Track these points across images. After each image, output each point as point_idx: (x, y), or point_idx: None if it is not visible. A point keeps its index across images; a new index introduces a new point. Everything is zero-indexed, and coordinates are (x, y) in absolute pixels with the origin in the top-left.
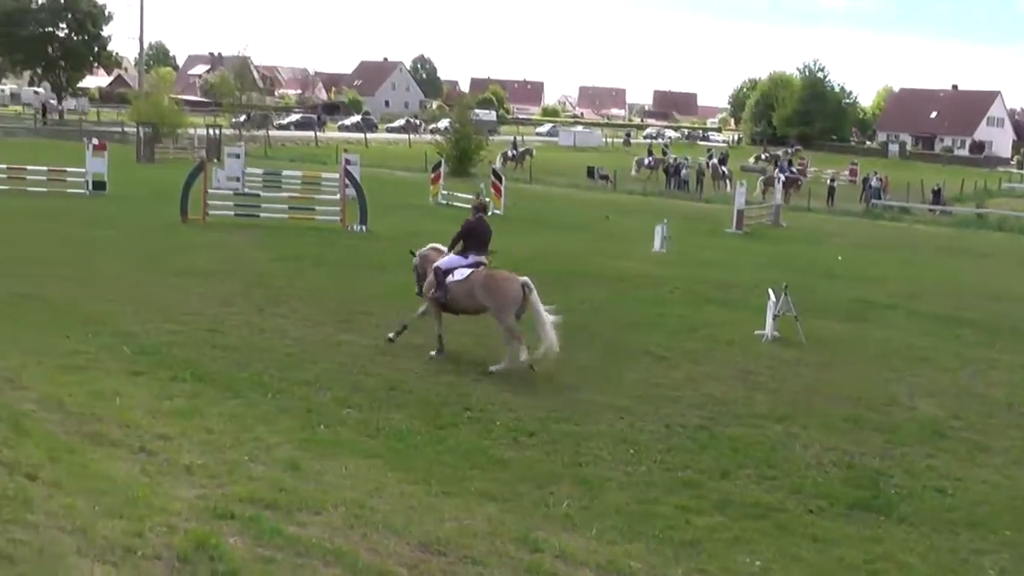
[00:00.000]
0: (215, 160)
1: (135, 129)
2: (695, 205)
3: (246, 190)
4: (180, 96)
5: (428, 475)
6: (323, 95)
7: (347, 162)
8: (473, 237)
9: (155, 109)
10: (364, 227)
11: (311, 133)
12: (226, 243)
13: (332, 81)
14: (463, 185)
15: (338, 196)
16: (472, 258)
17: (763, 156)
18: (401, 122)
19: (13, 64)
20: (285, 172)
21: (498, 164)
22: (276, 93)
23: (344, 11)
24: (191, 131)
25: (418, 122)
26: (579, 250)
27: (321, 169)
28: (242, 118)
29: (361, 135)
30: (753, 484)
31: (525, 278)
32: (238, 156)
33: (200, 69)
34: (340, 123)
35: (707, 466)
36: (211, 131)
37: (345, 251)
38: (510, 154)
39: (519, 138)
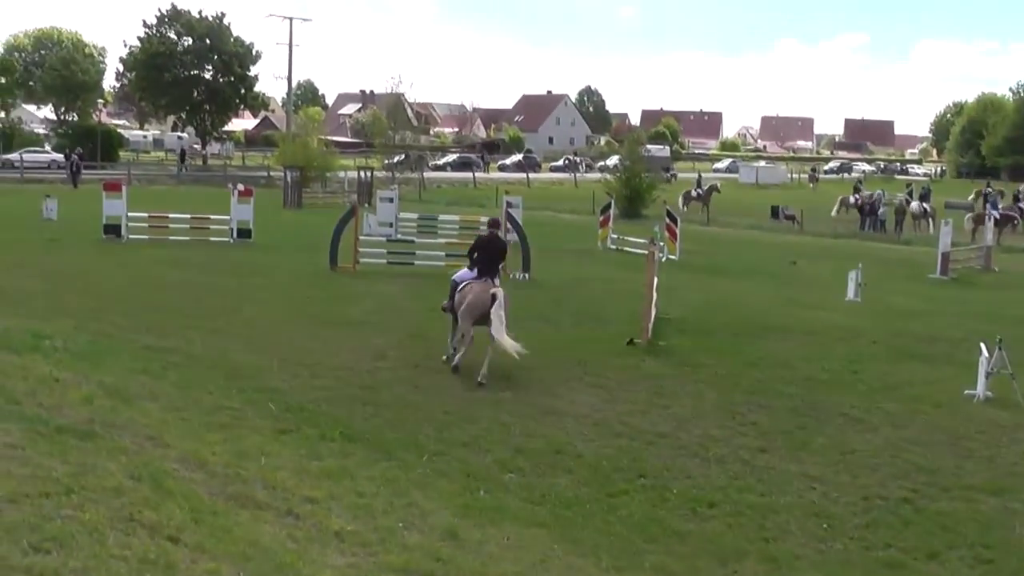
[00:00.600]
0: (366, 205)
1: (282, 173)
2: (893, 248)
3: (400, 236)
4: (329, 137)
5: (598, 547)
6: (482, 132)
7: (508, 205)
8: (484, 253)
9: (303, 151)
10: (527, 275)
11: (468, 174)
12: (379, 293)
13: (491, 117)
14: (635, 228)
15: None
16: (477, 273)
17: (985, 192)
18: (562, 161)
19: (157, 109)
20: (441, 216)
21: (680, 205)
22: (431, 131)
23: (504, 44)
24: (341, 174)
25: (579, 159)
26: (763, 299)
27: (480, 213)
28: (396, 159)
29: (523, 175)
30: (966, 567)
31: (496, 289)
32: (391, 200)
33: (351, 108)
34: (500, 163)
35: (912, 545)
36: (362, 174)
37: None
38: (694, 193)
39: (701, 175)
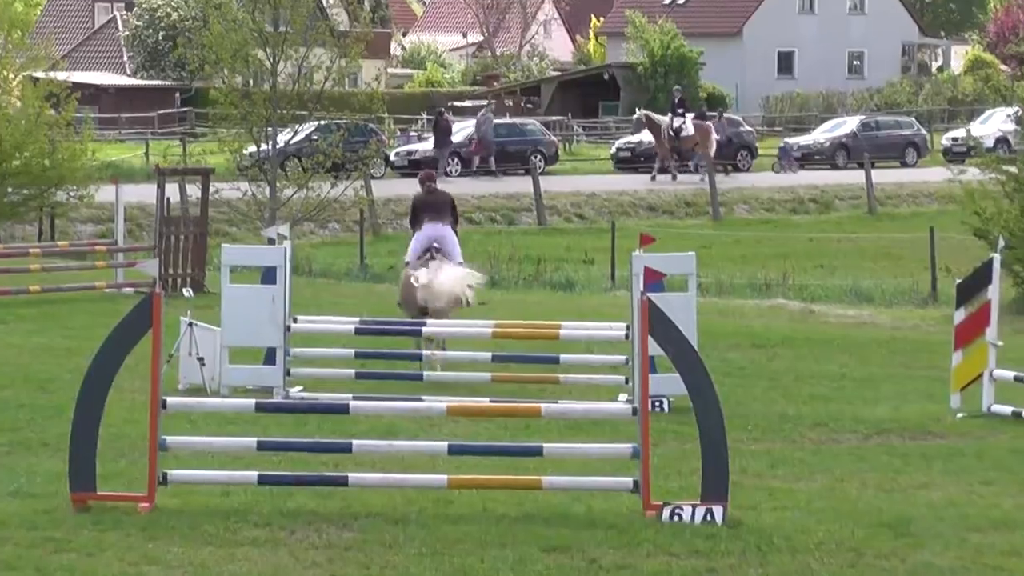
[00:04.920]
0: (187, 291)
1: None
2: None
3: (294, 392)
4: (69, 76)
5: None
6: (561, 45)
7: (646, 282)
8: (424, 213)
9: None
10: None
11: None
12: None
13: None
14: None
15: None
16: (425, 231)
17: None
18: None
19: None
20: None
21: None
22: (395, 51)
23: None
24: (107, 193)
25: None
26: None
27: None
28: (288, 134)
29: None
30: None
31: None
32: (274, 264)
33: None
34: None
35: None
36: (179, 187)
37: None
38: None
39: None
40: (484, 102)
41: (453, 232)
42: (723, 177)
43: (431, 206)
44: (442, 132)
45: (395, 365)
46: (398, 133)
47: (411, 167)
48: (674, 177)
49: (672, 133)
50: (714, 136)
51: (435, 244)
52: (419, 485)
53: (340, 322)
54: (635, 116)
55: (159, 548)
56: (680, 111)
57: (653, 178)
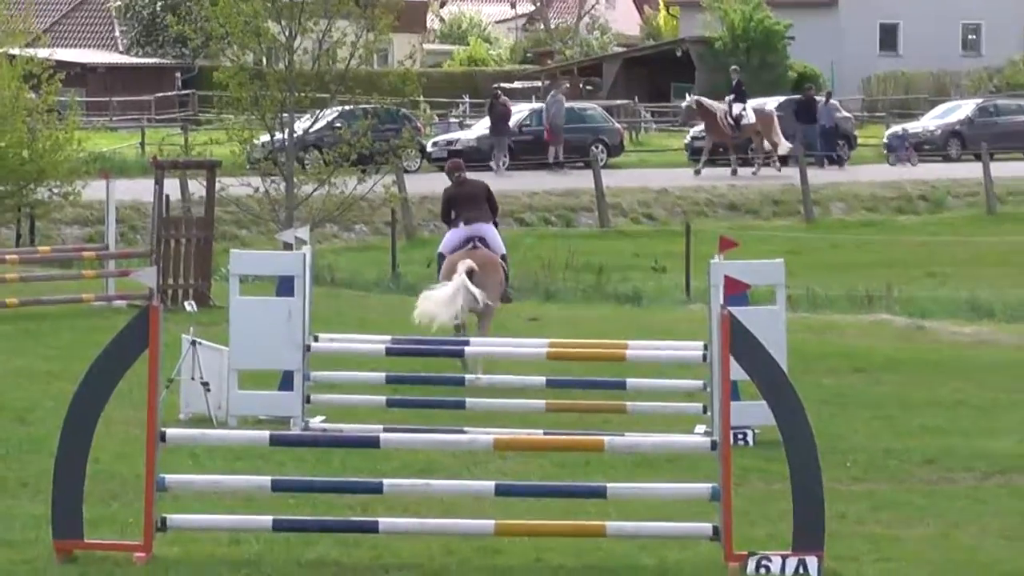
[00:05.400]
0: (190, 304)
1: None
2: None
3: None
4: (51, 53)
5: None
6: (627, 16)
7: (726, 298)
8: (459, 206)
9: None
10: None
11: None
12: None
13: None
14: None
15: None
16: (464, 229)
17: None
18: None
19: None
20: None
21: None
22: (431, 23)
23: None
24: (98, 189)
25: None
26: None
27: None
28: (312, 121)
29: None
30: None
31: (467, 261)
32: (291, 277)
33: None
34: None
35: None
36: (181, 185)
37: None
38: None
39: None
40: (536, 83)
41: (494, 228)
42: (817, 171)
43: (465, 200)
44: (499, 118)
45: (432, 391)
46: (436, 119)
47: (451, 159)
48: (734, 172)
49: (732, 121)
50: (777, 126)
51: (478, 236)
52: (461, 532)
53: (368, 341)
54: (684, 104)
55: None
56: (732, 96)
57: (734, 172)
